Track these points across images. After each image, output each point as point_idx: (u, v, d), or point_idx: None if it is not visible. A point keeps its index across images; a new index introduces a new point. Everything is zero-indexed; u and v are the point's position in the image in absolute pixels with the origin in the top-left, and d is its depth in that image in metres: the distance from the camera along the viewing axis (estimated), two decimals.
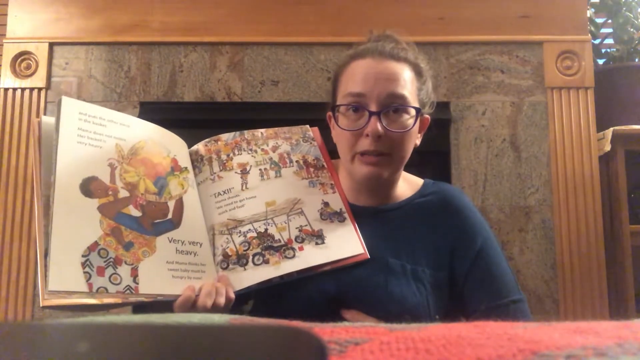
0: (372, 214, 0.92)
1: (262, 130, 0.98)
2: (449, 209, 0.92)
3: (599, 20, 2.03)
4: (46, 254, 0.70)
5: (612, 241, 1.74)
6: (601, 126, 1.76)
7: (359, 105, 0.85)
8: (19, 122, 1.75)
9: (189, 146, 0.96)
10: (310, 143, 0.98)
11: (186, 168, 0.90)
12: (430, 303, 0.85)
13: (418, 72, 0.90)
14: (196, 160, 0.93)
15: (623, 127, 1.74)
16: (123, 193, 0.79)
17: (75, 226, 0.73)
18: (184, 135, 1.93)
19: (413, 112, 0.87)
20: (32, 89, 1.77)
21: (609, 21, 2.01)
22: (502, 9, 1.81)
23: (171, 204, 0.84)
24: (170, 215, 0.83)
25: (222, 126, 1.86)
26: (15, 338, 0.25)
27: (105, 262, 0.73)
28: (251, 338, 0.25)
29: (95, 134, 0.80)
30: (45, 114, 1.76)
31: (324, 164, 0.96)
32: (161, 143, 0.89)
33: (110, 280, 0.73)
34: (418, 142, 0.94)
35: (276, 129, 0.98)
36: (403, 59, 0.88)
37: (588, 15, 1.88)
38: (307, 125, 1.01)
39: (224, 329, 0.32)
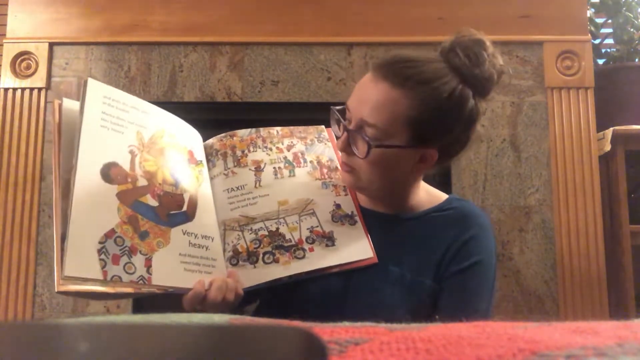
0: (383, 220, 0.91)
1: (278, 128, 0.98)
2: (462, 222, 0.90)
3: (599, 20, 2.03)
4: (63, 239, 0.68)
5: (612, 241, 1.74)
6: (601, 126, 1.76)
7: (340, 119, 0.87)
8: (19, 122, 1.75)
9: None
10: (325, 144, 0.98)
11: (201, 161, 0.90)
12: (423, 314, 0.84)
13: (425, 101, 0.81)
14: (210, 154, 0.93)
15: (623, 127, 1.74)
16: (142, 181, 0.78)
17: (93, 212, 0.72)
18: None
19: (369, 143, 0.81)
20: (32, 89, 1.77)
21: (609, 21, 2.01)
22: (502, 9, 1.81)
23: (186, 196, 0.83)
24: (185, 207, 0.82)
25: (222, 126, 1.86)
26: (16, 338, 0.25)
27: (120, 250, 0.72)
28: (251, 338, 0.25)
29: (118, 119, 0.79)
30: (45, 114, 1.76)
31: (337, 165, 0.96)
32: (178, 134, 0.88)
33: (124, 269, 0.72)
34: (417, 173, 0.89)
35: (292, 127, 0.98)
36: (402, 82, 0.81)
37: (588, 15, 1.88)
38: (322, 126, 1.00)
39: (224, 329, 0.32)
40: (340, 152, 0.89)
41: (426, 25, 1.80)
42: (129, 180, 0.77)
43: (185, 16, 1.80)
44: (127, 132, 0.79)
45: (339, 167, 0.95)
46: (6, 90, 1.76)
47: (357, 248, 0.86)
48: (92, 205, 0.72)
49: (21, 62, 1.78)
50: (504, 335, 0.31)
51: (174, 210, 0.80)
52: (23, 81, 1.77)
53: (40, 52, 1.78)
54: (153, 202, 0.78)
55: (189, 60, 1.80)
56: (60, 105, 0.78)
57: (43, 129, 1.75)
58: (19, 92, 1.77)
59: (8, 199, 1.70)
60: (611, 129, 1.72)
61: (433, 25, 1.80)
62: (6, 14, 1.82)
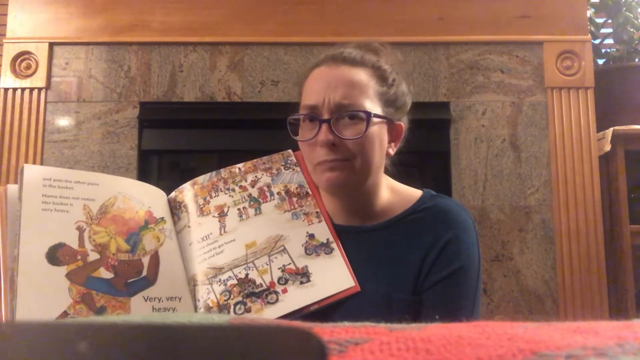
0: (355, 234, 0.87)
1: (240, 165, 0.94)
2: (438, 225, 0.85)
3: (599, 20, 2.04)
4: None
5: (612, 241, 1.74)
6: (601, 126, 1.76)
7: (313, 115, 0.83)
8: (19, 122, 1.75)
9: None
10: (293, 169, 0.93)
11: (163, 218, 0.86)
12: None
13: (380, 75, 0.86)
14: (175, 208, 0.90)
15: (623, 127, 1.74)
16: (93, 256, 0.76)
17: (42, 298, 0.70)
18: (184, 135, 1.92)
19: (364, 116, 0.81)
20: (32, 89, 1.77)
21: (609, 21, 2.01)
22: (502, 9, 1.81)
23: (145, 260, 0.80)
24: (145, 272, 0.79)
25: (222, 126, 1.86)
26: (15, 338, 0.25)
27: None
28: (251, 338, 0.25)
29: (61, 198, 0.77)
30: (45, 114, 1.76)
31: (308, 190, 0.91)
32: (134, 196, 0.85)
33: None
34: (391, 151, 0.88)
35: (255, 160, 0.94)
36: (359, 63, 0.85)
37: (588, 15, 1.88)
38: (289, 150, 0.96)
39: (223, 329, 0.32)
40: (324, 147, 0.82)
41: (426, 25, 1.80)
42: (79, 257, 0.75)
43: (185, 16, 1.81)
44: (73, 209, 0.78)
45: (310, 192, 0.90)
46: (6, 90, 1.76)
47: (336, 279, 0.81)
48: (40, 292, 0.70)
49: (21, 62, 1.78)
50: (504, 335, 0.31)
51: (132, 278, 0.78)
52: (23, 81, 1.77)
53: (40, 52, 1.78)
54: (107, 275, 0.76)
55: (189, 60, 1.80)
56: (5, 191, 0.75)
57: (43, 129, 1.75)
58: (19, 92, 1.77)
59: None
60: (611, 129, 1.73)
61: (433, 25, 1.80)
62: (6, 14, 1.82)
